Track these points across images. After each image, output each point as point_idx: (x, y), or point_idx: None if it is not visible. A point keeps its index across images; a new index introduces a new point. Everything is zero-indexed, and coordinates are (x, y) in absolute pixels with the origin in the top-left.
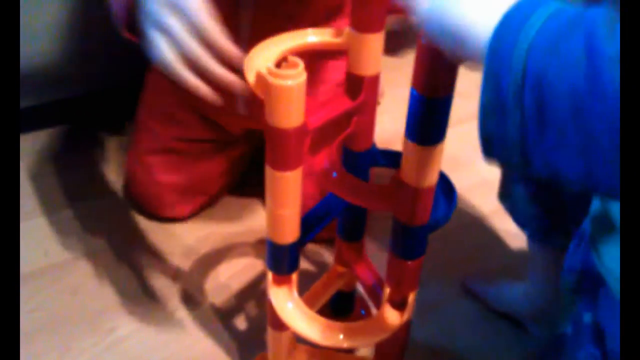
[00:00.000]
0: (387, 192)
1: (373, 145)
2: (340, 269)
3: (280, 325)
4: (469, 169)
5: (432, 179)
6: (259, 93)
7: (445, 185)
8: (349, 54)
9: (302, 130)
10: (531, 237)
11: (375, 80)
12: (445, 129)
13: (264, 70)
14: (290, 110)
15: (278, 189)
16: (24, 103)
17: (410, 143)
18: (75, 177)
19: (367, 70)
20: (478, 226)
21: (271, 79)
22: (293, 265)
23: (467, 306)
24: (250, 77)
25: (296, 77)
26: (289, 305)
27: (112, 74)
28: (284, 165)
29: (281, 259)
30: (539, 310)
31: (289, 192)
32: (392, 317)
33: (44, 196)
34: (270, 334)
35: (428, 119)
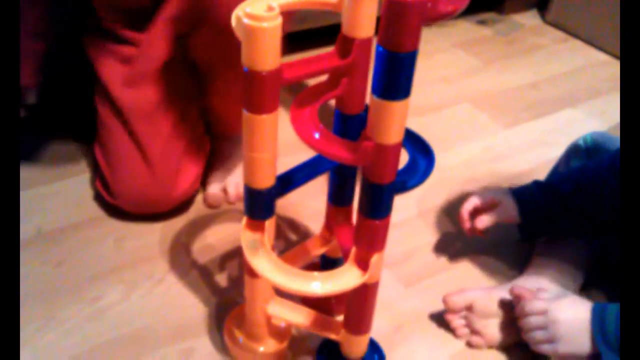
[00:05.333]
0: (354, 147)
1: (365, 110)
2: (327, 233)
3: (253, 271)
4: (453, 149)
5: (397, 136)
6: (239, 36)
7: (424, 151)
8: (342, 14)
9: (277, 74)
10: None
11: (367, 43)
12: (410, 86)
13: (241, 13)
14: (265, 52)
15: (254, 132)
16: None
17: (375, 98)
18: (62, 151)
19: (358, 32)
20: (460, 204)
21: (247, 21)
22: (267, 212)
23: (450, 280)
24: (233, 22)
25: (271, 19)
26: (259, 250)
27: None
28: (259, 108)
29: (256, 204)
30: None
31: (264, 136)
32: (353, 273)
33: (32, 169)
34: (246, 281)
35: (392, 74)
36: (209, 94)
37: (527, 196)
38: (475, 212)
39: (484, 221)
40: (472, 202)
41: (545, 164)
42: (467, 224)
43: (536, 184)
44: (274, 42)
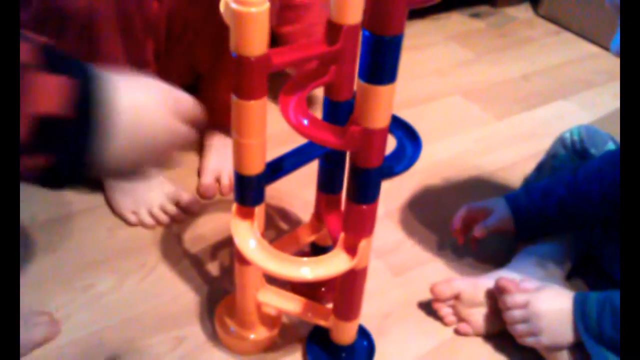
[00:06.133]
0: (341, 132)
1: (353, 97)
2: (317, 221)
3: (243, 258)
4: (444, 141)
5: (383, 121)
6: (227, 21)
7: (412, 138)
8: (330, 1)
9: (265, 60)
10: None
11: (355, 30)
12: (396, 70)
13: None
14: (253, 37)
15: (242, 117)
16: None
17: (361, 83)
18: None
19: (346, 19)
20: (450, 196)
21: (235, 6)
22: (257, 198)
23: (438, 270)
24: (222, 7)
25: (259, 4)
26: (248, 237)
27: None
28: (247, 94)
29: (245, 190)
30: None
31: (253, 121)
32: (342, 258)
33: None
34: (237, 269)
35: (378, 58)
36: (203, 82)
37: (520, 204)
38: (468, 221)
39: (481, 231)
40: (465, 211)
41: (536, 156)
42: (458, 233)
43: (528, 190)
44: (262, 27)
